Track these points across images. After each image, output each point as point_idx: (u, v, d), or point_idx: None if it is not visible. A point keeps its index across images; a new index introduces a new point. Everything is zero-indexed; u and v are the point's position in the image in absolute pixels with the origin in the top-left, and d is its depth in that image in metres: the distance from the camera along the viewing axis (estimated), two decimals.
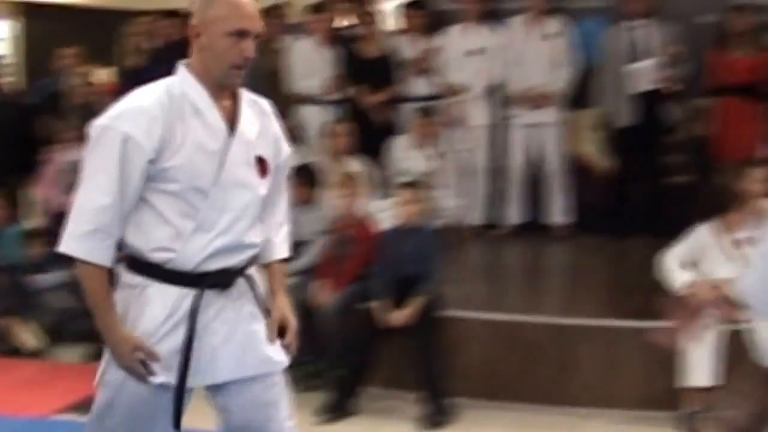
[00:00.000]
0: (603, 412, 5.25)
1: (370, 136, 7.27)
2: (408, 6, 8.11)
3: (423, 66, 7.88)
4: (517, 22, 7.88)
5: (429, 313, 5.40)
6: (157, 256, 2.83)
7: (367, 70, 7.71)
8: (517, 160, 7.93)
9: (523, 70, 7.78)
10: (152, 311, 2.83)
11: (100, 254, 2.76)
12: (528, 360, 5.36)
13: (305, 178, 6.08)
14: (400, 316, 5.39)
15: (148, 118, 2.76)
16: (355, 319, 5.58)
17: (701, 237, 5.31)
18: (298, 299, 5.16)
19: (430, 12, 8.11)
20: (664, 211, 7.37)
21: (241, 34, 2.80)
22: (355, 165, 6.89)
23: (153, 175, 2.78)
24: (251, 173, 2.91)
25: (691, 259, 5.26)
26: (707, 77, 7.34)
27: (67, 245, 2.77)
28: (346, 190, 6.07)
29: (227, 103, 2.90)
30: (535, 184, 7.97)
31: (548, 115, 7.82)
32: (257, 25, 2.84)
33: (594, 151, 8.07)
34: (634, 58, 7.48)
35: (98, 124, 2.79)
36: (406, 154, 7.28)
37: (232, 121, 2.89)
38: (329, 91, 7.87)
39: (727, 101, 7.25)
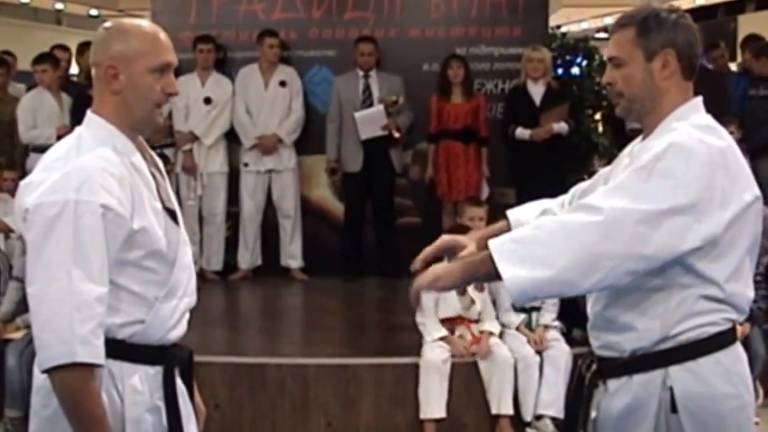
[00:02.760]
0: None
1: None
2: None
3: None
4: (248, 71, 8.05)
5: None
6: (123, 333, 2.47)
7: None
8: (251, 205, 8.09)
9: (256, 118, 7.96)
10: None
11: (102, 355, 2.32)
12: (271, 401, 5.46)
13: None
14: None
15: (115, 180, 2.36)
16: None
17: None
18: None
19: None
20: (393, 251, 7.71)
21: (165, 68, 2.50)
22: None
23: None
24: (180, 225, 2.62)
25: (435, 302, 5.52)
26: (430, 122, 7.78)
27: (69, 353, 2.24)
28: None
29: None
30: (271, 228, 8.15)
31: (282, 161, 8.03)
32: (175, 58, 2.56)
33: (327, 195, 8.34)
34: (364, 105, 7.83)
35: (55, 200, 2.30)
36: None
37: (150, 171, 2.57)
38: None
39: (447, 145, 7.71)
